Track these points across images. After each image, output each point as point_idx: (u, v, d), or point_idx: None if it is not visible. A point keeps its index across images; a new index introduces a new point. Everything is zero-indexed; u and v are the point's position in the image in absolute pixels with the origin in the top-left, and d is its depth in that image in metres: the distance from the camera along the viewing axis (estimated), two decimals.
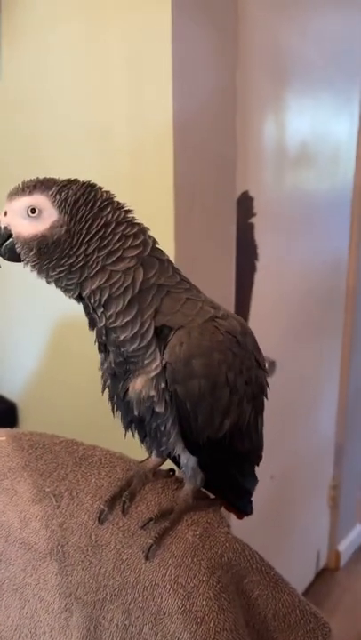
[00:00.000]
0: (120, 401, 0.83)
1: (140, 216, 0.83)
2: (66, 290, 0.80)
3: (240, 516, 0.99)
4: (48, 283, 0.80)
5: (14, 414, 2.21)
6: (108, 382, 0.84)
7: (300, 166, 2.10)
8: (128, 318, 0.77)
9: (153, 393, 0.78)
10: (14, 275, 1.98)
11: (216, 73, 1.60)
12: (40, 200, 0.77)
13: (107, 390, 0.86)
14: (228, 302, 1.71)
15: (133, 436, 0.87)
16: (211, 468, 0.86)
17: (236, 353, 0.80)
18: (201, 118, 1.56)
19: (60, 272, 0.78)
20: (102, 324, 0.79)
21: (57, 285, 0.80)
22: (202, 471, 0.86)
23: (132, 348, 0.78)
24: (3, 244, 0.80)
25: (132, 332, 0.77)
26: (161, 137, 1.49)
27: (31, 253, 0.78)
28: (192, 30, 1.48)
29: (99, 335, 0.81)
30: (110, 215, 0.78)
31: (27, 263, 0.80)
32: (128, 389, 0.80)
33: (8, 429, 0.98)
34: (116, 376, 0.82)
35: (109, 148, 1.62)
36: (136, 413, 0.81)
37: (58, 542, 0.83)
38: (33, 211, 0.77)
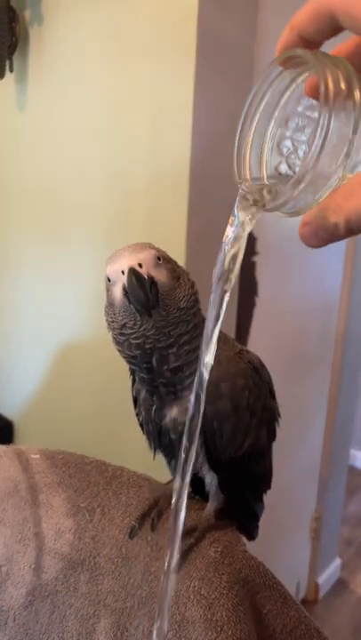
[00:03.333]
0: (154, 426, 0.91)
1: None
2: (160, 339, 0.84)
3: (247, 539, 1.07)
4: (164, 327, 0.83)
5: (11, 432, 2.26)
6: (142, 409, 0.93)
7: None
8: (188, 372, 0.85)
9: None
10: (15, 297, 2.04)
11: (231, 121, 1.70)
12: (157, 252, 0.83)
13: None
14: (228, 334, 1.79)
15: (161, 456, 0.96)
16: (230, 488, 0.94)
17: (256, 381, 0.91)
18: (214, 162, 1.66)
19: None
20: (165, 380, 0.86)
21: (172, 332, 0.84)
22: (221, 493, 0.94)
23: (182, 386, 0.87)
24: (151, 289, 0.80)
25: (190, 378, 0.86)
26: (177, 179, 1.58)
27: (172, 297, 0.83)
28: (213, 81, 1.58)
29: (151, 384, 0.88)
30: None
31: (164, 309, 0.82)
32: (165, 416, 0.89)
33: (40, 447, 1.05)
34: (152, 405, 0.91)
35: (126, 187, 1.70)
36: (173, 437, 0.89)
37: (90, 553, 0.90)
38: (159, 259, 0.82)
